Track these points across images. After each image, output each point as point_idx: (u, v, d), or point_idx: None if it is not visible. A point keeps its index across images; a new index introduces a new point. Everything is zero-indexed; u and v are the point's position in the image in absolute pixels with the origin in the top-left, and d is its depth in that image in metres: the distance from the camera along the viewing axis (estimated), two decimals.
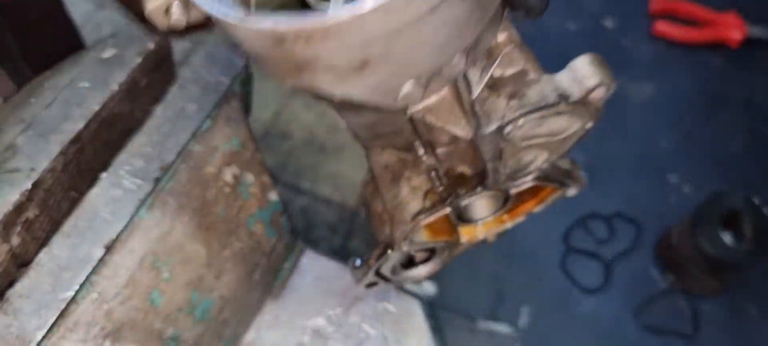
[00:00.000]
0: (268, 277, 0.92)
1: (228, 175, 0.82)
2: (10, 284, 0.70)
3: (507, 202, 0.77)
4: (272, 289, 0.94)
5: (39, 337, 0.68)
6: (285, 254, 0.94)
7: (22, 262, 0.73)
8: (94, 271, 0.71)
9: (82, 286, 0.70)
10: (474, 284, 1.39)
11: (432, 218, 0.71)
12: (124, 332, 0.73)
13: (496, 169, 0.67)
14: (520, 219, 0.80)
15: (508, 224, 0.80)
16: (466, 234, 0.81)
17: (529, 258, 1.43)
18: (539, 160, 0.69)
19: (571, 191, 0.79)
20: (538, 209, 0.80)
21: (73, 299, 0.70)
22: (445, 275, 1.42)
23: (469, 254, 1.45)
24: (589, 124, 0.65)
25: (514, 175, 0.70)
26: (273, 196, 0.88)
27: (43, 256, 0.71)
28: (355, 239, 2.73)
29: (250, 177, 0.85)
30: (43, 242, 0.71)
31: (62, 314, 0.69)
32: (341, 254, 1.62)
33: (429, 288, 1.35)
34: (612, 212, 1.50)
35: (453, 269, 1.47)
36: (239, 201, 0.84)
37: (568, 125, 0.64)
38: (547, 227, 1.46)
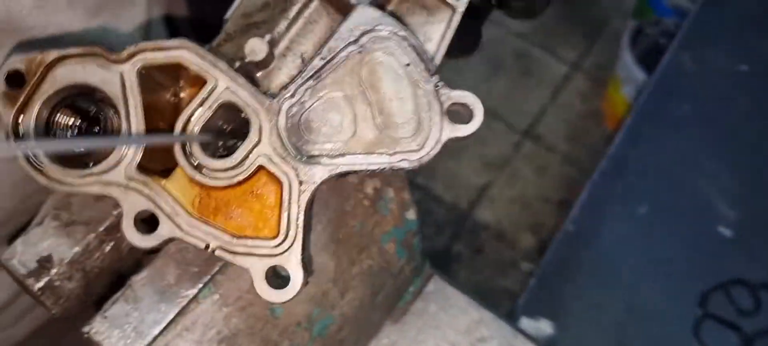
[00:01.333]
0: (391, 299, 0.85)
1: (369, 187, 0.75)
2: (136, 268, 0.66)
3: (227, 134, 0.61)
4: (393, 312, 0.86)
5: (155, 332, 0.64)
6: (411, 277, 0.87)
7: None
8: (220, 270, 0.67)
9: (206, 284, 0.66)
10: (595, 331, 1.27)
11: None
12: (239, 340, 0.68)
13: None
14: (215, 239, 0.58)
15: (196, 225, 0.58)
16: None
17: (659, 315, 1.30)
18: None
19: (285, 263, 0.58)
20: (239, 244, 0.58)
21: (194, 297, 0.65)
22: (565, 316, 1.31)
23: (594, 297, 1.34)
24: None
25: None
26: (411, 215, 0.81)
27: (172, 246, 0.66)
28: (460, 242, 2.65)
29: (390, 192, 0.77)
30: None
31: (182, 312, 0.65)
32: (443, 258, 1.53)
33: (546, 328, 1.25)
34: (760, 280, 1.34)
35: (575, 310, 1.36)
36: (377, 216, 0.77)
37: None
38: (684, 286, 1.32)
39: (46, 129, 0.58)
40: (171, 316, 0.64)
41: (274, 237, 0.57)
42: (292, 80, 0.59)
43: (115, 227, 0.67)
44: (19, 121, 0.57)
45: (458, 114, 0.59)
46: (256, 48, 0.58)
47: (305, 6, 0.63)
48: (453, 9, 0.62)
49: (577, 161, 2.82)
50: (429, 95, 0.58)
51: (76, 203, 0.67)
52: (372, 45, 0.58)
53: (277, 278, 0.58)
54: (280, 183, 0.58)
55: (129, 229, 0.57)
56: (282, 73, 0.61)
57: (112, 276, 0.71)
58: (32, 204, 0.84)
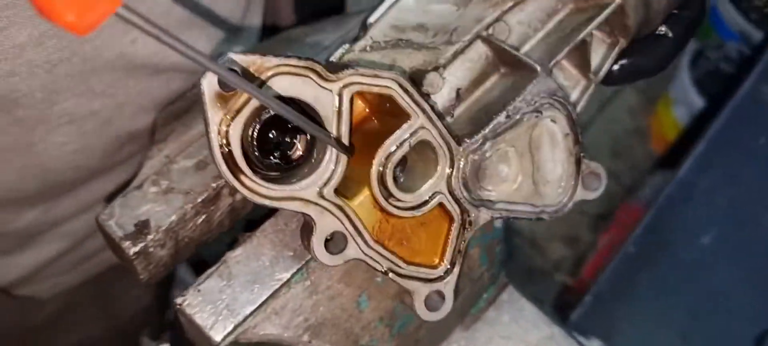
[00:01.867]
0: (465, 304, 0.83)
1: None
2: (232, 244, 0.65)
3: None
4: (465, 318, 0.84)
5: (247, 312, 0.62)
6: (488, 284, 0.84)
7: (247, 221, 0.68)
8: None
9: (299, 269, 0.64)
10: None
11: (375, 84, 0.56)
12: (324, 330, 0.67)
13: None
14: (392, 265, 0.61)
15: (376, 249, 0.60)
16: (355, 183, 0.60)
17: None
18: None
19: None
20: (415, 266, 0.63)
21: (287, 282, 0.64)
22: (618, 338, 1.28)
23: (648, 322, 1.31)
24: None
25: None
26: (498, 222, 0.78)
27: (268, 226, 0.65)
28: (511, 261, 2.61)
29: None
30: (272, 211, 0.65)
31: (273, 295, 0.63)
32: None
33: None
34: None
35: (628, 333, 1.33)
36: None
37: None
38: (741, 324, 1.28)
39: (253, 139, 0.54)
40: (263, 298, 0.63)
41: (436, 266, 0.64)
42: (478, 130, 0.62)
43: (212, 200, 0.66)
44: (229, 124, 0.51)
45: (587, 180, 0.68)
46: (434, 83, 0.61)
47: (470, 44, 0.65)
48: (589, 81, 0.69)
49: (618, 177, 2.78)
50: (574, 163, 0.66)
51: (176, 171, 0.66)
52: (546, 112, 0.64)
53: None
54: (450, 220, 0.63)
55: (320, 248, 0.57)
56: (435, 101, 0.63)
57: (197, 247, 0.70)
58: (115, 162, 0.83)
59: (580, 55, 0.68)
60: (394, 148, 0.58)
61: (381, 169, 0.59)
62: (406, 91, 0.58)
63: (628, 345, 1.25)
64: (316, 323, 0.66)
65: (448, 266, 0.65)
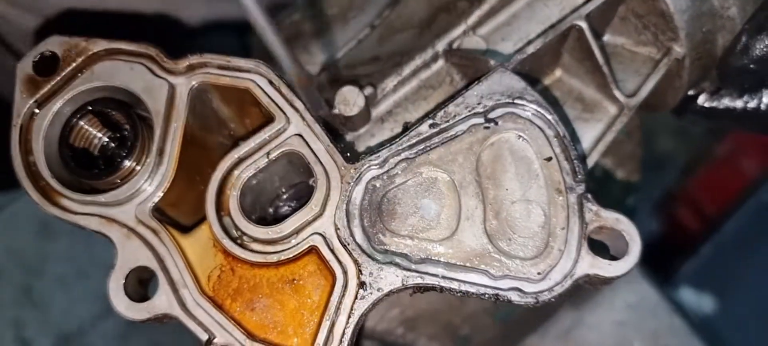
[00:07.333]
0: None
1: None
2: None
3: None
4: (575, 300, 0.77)
5: None
6: None
7: None
8: None
9: None
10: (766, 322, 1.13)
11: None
12: (420, 323, 0.61)
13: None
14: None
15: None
16: None
17: None
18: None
19: None
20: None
21: None
22: (734, 296, 1.16)
23: None
24: None
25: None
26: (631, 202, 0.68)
27: None
28: None
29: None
30: None
31: None
32: None
33: (706, 304, 1.12)
34: None
35: (748, 293, 1.20)
36: None
37: None
38: None
39: (63, 135, 0.49)
40: None
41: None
42: (385, 144, 0.46)
43: None
44: (35, 112, 0.48)
45: (604, 243, 0.45)
46: (349, 98, 0.46)
47: (425, 65, 0.49)
48: (620, 107, 0.49)
49: None
50: (570, 208, 0.43)
51: None
52: (505, 123, 0.44)
53: None
54: (332, 277, 0.44)
55: (117, 289, 0.45)
56: (374, 142, 0.50)
57: None
58: None
59: (596, 71, 0.49)
60: (236, 157, 0.46)
61: (218, 188, 0.46)
62: (272, 84, 0.45)
63: (745, 306, 1.14)
64: (413, 316, 0.61)
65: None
